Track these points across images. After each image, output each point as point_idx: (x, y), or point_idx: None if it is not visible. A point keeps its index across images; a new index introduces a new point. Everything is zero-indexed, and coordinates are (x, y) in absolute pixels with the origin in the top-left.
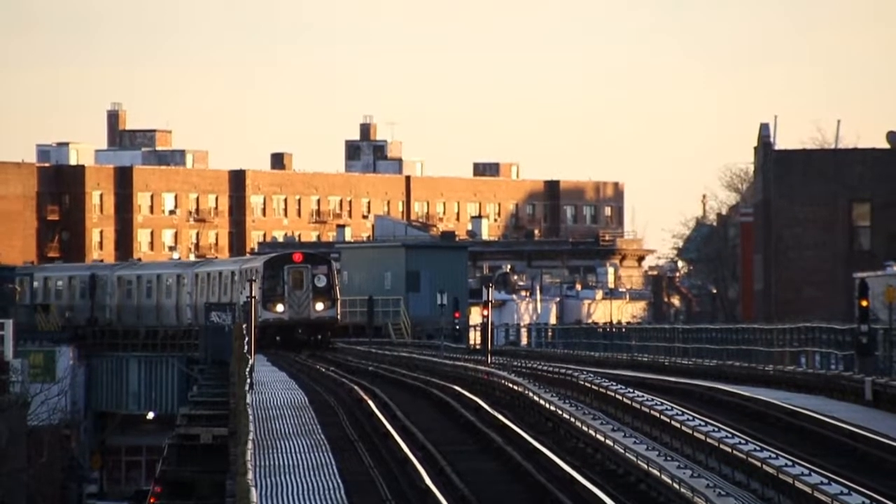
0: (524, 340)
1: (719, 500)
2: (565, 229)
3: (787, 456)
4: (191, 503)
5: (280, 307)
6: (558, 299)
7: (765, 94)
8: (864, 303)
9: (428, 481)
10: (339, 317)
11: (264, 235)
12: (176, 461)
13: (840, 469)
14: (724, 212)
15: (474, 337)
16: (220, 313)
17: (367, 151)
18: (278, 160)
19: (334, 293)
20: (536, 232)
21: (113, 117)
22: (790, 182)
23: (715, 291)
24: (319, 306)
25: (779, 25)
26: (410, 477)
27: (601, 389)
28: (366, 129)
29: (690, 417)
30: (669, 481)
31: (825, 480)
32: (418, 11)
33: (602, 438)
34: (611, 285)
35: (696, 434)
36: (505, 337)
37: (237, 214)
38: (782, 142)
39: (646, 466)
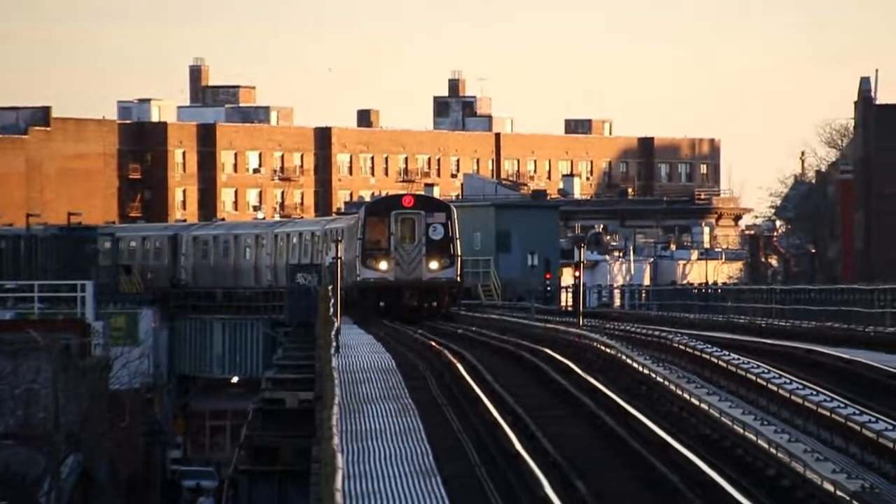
0: (617, 302)
1: (817, 465)
2: (659, 188)
3: (887, 420)
4: (276, 468)
5: (384, 265)
6: (652, 260)
7: (865, 47)
8: None
9: (518, 446)
10: (459, 278)
11: (351, 194)
12: (261, 426)
13: None
14: (823, 169)
15: (566, 298)
16: (305, 275)
17: (455, 108)
18: (365, 117)
19: (454, 248)
20: (630, 190)
21: (195, 73)
22: (891, 137)
23: (814, 251)
24: (434, 265)
25: None
26: (500, 441)
27: (696, 352)
28: (454, 85)
29: (788, 380)
30: (766, 446)
31: None
32: None
33: (697, 402)
34: (706, 245)
35: (793, 397)
36: (597, 298)
37: (323, 173)
38: (883, 96)
39: (742, 431)
